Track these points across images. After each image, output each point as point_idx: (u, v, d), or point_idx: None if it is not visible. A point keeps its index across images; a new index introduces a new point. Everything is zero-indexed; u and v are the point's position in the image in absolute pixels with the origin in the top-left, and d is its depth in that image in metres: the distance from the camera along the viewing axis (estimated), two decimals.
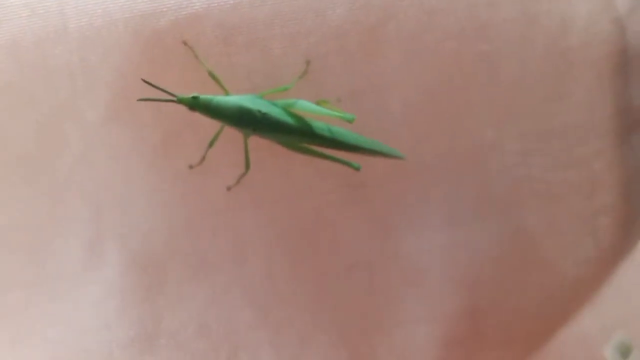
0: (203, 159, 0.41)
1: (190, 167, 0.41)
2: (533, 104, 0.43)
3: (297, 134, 0.39)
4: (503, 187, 0.44)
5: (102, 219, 0.42)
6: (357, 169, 0.40)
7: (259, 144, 0.41)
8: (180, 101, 0.37)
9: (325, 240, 0.44)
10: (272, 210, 0.43)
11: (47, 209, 0.42)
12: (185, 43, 0.39)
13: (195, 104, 0.37)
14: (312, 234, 0.44)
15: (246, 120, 0.38)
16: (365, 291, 0.45)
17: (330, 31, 0.41)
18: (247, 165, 0.40)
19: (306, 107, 0.39)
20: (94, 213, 0.42)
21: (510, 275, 0.46)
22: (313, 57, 0.41)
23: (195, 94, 0.37)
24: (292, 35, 0.40)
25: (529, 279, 0.46)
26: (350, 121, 0.39)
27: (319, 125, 0.40)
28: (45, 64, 0.39)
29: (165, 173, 0.42)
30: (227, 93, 0.39)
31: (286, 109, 0.39)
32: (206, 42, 0.40)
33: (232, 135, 0.40)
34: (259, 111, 0.38)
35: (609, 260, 0.46)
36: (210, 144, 0.40)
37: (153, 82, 0.37)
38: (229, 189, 0.42)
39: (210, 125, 0.39)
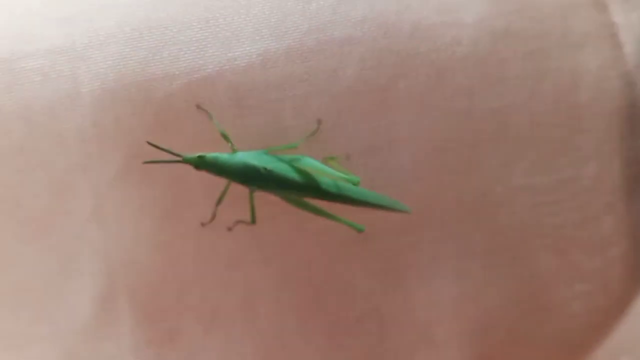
0: (214, 215, 0.41)
1: (202, 224, 0.41)
2: (543, 158, 0.44)
3: (303, 190, 0.39)
4: (512, 239, 0.45)
5: (112, 274, 0.42)
6: (360, 230, 0.41)
7: (270, 199, 0.41)
8: (187, 161, 0.37)
9: (335, 292, 0.44)
10: (283, 265, 0.43)
11: (58, 265, 0.42)
12: (198, 107, 0.39)
13: (201, 164, 0.38)
14: (321, 287, 0.44)
15: (251, 177, 0.38)
16: (375, 342, 0.45)
17: (342, 91, 0.41)
18: (253, 219, 0.40)
19: (312, 164, 0.39)
20: (104, 269, 0.42)
21: (521, 325, 0.46)
22: (324, 116, 0.41)
23: (201, 154, 0.37)
24: (303, 96, 0.40)
25: (539, 328, 0.46)
26: (355, 184, 0.39)
27: (325, 180, 0.40)
28: (58, 128, 0.39)
29: (176, 230, 0.42)
30: (235, 151, 0.39)
31: (292, 165, 0.39)
32: (219, 105, 0.40)
33: (242, 191, 0.40)
34: (264, 168, 0.38)
35: (621, 307, 0.46)
36: (218, 202, 0.40)
37: (165, 145, 0.37)
38: (229, 229, 0.41)
39: (221, 183, 0.40)
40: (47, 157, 0.40)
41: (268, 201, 0.41)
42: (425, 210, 0.43)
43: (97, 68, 0.39)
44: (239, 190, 0.40)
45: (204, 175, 0.40)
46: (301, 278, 0.44)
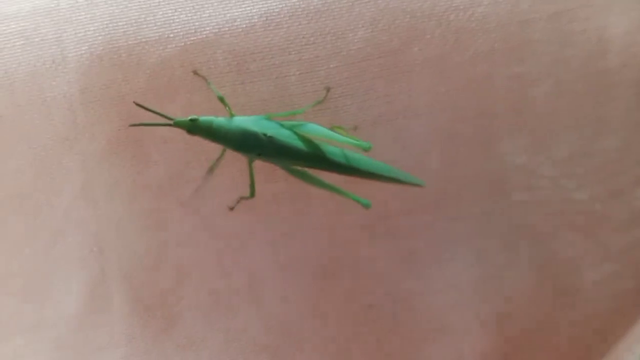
0: (203, 184, 0.37)
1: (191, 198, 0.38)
2: (568, 128, 0.41)
3: (307, 159, 0.36)
4: (535, 216, 0.42)
5: (104, 257, 0.39)
6: (366, 206, 0.37)
7: (274, 177, 0.39)
8: (178, 124, 0.34)
9: (345, 278, 0.41)
10: (289, 248, 0.40)
11: (45, 248, 0.39)
12: (195, 72, 0.36)
13: (193, 127, 0.34)
14: (331, 271, 0.41)
15: (250, 144, 0.35)
16: (389, 329, 0.42)
17: (351, 55, 0.38)
18: (252, 192, 0.37)
19: (318, 131, 0.36)
20: (95, 252, 0.39)
21: (542, 310, 0.43)
22: (333, 83, 0.38)
23: (193, 116, 0.34)
24: (310, 60, 0.37)
25: (562, 313, 0.43)
26: (366, 149, 0.36)
27: (331, 149, 0.36)
28: (43, 97, 0.36)
29: (171, 209, 0.39)
30: (232, 116, 0.36)
31: (295, 131, 0.36)
32: (217, 70, 0.37)
33: (244, 168, 0.37)
34: (265, 134, 0.35)
35: None
36: (210, 170, 0.36)
37: (159, 112, 0.34)
38: (231, 209, 0.38)
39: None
40: (30, 129, 0.37)
41: (270, 178, 0.38)
42: (441, 186, 0.40)
43: (84, 30, 0.36)
44: (239, 164, 0.37)
45: (202, 148, 0.37)
46: (309, 262, 0.41)
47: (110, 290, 0.39)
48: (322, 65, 0.37)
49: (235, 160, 0.37)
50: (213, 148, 0.36)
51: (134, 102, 0.34)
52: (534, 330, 0.43)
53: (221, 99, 0.35)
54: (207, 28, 0.36)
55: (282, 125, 0.36)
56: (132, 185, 0.38)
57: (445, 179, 0.40)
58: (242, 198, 0.38)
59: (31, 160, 0.37)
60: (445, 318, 0.42)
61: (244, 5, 0.37)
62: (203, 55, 0.36)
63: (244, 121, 0.35)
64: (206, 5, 0.37)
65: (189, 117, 0.34)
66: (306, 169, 0.37)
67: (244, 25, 0.37)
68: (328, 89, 0.37)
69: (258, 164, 0.36)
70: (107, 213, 0.39)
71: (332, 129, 0.37)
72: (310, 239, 0.41)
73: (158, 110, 0.34)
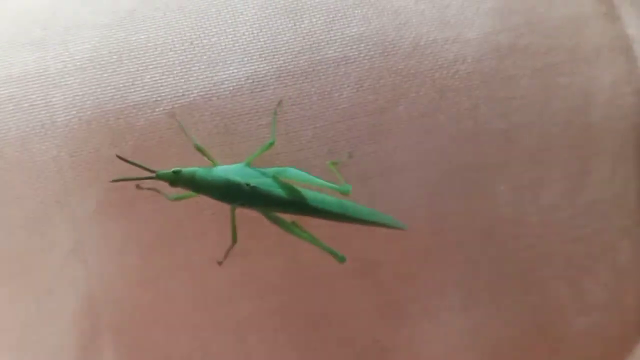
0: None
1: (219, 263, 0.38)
2: (554, 181, 0.41)
3: (289, 206, 0.36)
4: (521, 266, 0.42)
5: (96, 313, 0.39)
6: (341, 260, 0.37)
7: (265, 232, 0.39)
8: (160, 177, 0.34)
9: (334, 327, 0.42)
10: (278, 298, 0.41)
11: (37, 306, 0.39)
12: (172, 116, 0.36)
13: (176, 180, 0.34)
14: (320, 321, 0.41)
15: (233, 194, 0.35)
16: None
17: (337, 114, 0.38)
18: (234, 238, 0.37)
19: (297, 176, 0.36)
20: (86, 308, 0.39)
21: (532, 358, 0.43)
22: (319, 143, 0.38)
23: (176, 168, 0.34)
24: (296, 120, 0.38)
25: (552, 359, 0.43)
26: (345, 193, 0.37)
27: (312, 195, 0.37)
28: (33, 160, 0.37)
29: (162, 266, 0.39)
30: (214, 165, 0.36)
31: (277, 178, 0.36)
32: (206, 132, 0.37)
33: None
34: (247, 184, 0.35)
35: (637, 339, 0.43)
36: (174, 198, 0.37)
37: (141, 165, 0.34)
38: (219, 263, 0.38)
39: (212, 214, 0.37)
40: (21, 192, 0.37)
41: (260, 234, 0.39)
42: (429, 238, 0.41)
43: (73, 95, 0.36)
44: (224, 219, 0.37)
45: (191, 206, 0.38)
46: (298, 313, 0.41)
47: (101, 346, 0.40)
48: (308, 124, 0.38)
49: (220, 215, 0.37)
50: (204, 201, 0.37)
51: (116, 155, 0.34)
52: None
53: (199, 149, 0.35)
54: (195, 91, 0.37)
55: (264, 173, 0.36)
56: (123, 243, 0.38)
57: (431, 231, 0.40)
58: (229, 249, 0.38)
59: (22, 221, 0.38)
60: None
61: (231, 68, 0.37)
62: (191, 118, 0.37)
63: (226, 171, 0.35)
64: (193, 69, 0.37)
65: (172, 169, 0.34)
66: (285, 218, 0.37)
67: (231, 88, 0.37)
68: (280, 102, 0.37)
69: (243, 216, 0.37)
70: (98, 270, 0.39)
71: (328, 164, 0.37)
72: (299, 290, 0.41)
73: (140, 163, 0.34)
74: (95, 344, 0.40)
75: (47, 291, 0.39)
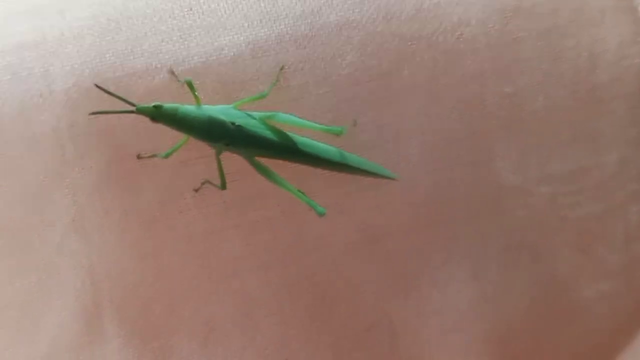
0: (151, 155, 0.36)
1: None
2: (561, 145, 0.40)
3: (276, 149, 0.35)
4: (531, 234, 0.41)
5: (97, 289, 0.39)
6: (320, 214, 0.36)
7: (270, 204, 0.38)
8: (140, 111, 0.33)
9: (342, 300, 0.41)
10: (284, 271, 0.40)
11: (37, 281, 0.38)
12: (171, 72, 0.36)
13: (157, 115, 0.33)
14: (327, 294, 0.41)
15: (217, 133, 0.34)
16: (387, 352, 0.42)
17: (340, 80, 0.37)
18: (223, 184, 0.36)
19: (288, 119, 0.35)
20: (88, 283, 0.39)
21: (542, 328, 0.43)
22: (322, 109, 0.37)
23: (157, 103, 0.33)
24: (299, 87, 0.37)
25: (562, 330, 0.43)
26: (338, 134, 0.36)
27: (302, 140, 0.36)
28: (31, 131, 0.36)
29: (164, 237, 0.39)
30: (199, 104, 0.35)
31: (265, 121, 0.35)
32: (206, 98, 0.36)
33: (239, 198, 0.37)
34: (233, 123, 0.34)
35: None
36: (166, 155, 0.35)
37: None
38: (196, 190, 0.37)
39: (215, 180, 0.36)
40: (20, 164, 0.36)
41: (264, 206, 0.38)
42: (436, 207, 0.40)
43: (71, 64, 0.36)
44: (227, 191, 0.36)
45: (193, 177, 0.37)
46: (304, 286, 0.40)
47: (104, 322, 0.39)
48: (311, 91, 0.37)
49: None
50: (204, 172, 0.37)
51: (94, 84, 0.33)
52: (534, 349, 0.42)
53: (189, 84, 0.34)
54: (195, 57, 0.36)
55: (251, 116, 0.35)
56: (123, 215, 0.38)
57: (439, 200, 0.40)
58: (208, 182, 0.36)
59: (22, 195, 0.37)
60: (445, 339, 0.42)
61: (231, 34, 0.36)
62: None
63: (211, 110, 0.34)
64: (193, 35, 0.36)
65: (153, 104, 0.33)
66: (271, 168, 0.35)
67: (232, 54, 0.36)
68: (282, 67, 0.37)
69: (247, 189, 0.36)
70: (99, 244, 0.38)
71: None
72: (305, 262, 0.40)
73: (119, 95, 0.33)
74: (97, 322, 0.39)
75: (48, 266, 0.38)
